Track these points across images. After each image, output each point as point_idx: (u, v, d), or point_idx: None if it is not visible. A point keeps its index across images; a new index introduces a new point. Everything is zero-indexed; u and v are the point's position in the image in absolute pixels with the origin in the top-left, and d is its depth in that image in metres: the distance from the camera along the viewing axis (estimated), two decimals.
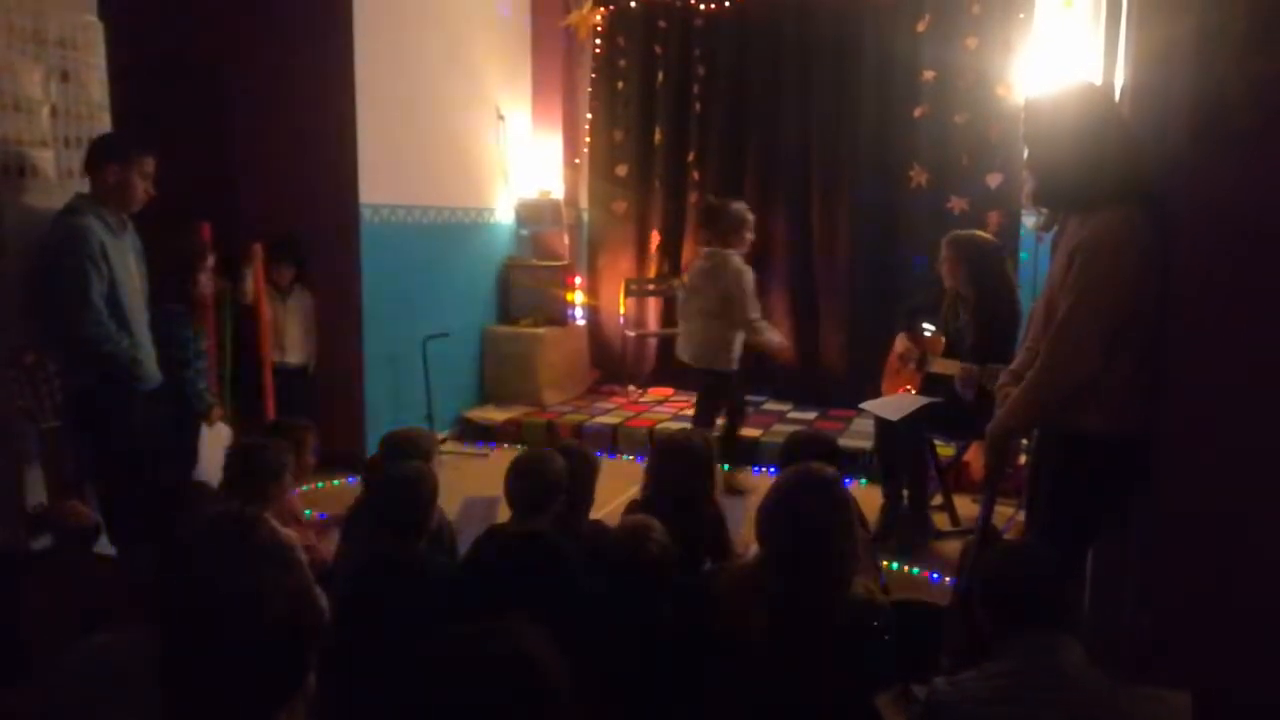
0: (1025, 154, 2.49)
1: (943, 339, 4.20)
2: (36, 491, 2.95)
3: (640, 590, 2.23)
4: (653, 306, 7.08)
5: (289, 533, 2.77)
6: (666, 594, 2.27)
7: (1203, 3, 2.03)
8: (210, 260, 4.01)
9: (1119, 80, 3.08)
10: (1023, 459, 4.31)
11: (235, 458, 2.91)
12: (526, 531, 2.70)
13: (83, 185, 3.35)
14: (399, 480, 2.65)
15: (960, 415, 3.94)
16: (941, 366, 4.09)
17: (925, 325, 4.30)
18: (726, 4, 6.58)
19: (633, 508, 3.04)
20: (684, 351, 5.06)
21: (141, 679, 1.49)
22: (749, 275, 4.77)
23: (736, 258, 4.79)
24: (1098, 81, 3.58)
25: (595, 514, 3.13)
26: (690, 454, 3.03)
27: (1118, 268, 2.21)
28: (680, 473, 2.98)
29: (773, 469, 4.72)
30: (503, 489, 2.82)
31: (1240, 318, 2.00)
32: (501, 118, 6.68)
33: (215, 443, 3.85)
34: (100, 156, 3.25)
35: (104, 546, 2.63)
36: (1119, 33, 3.21)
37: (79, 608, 2.16)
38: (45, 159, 3.37)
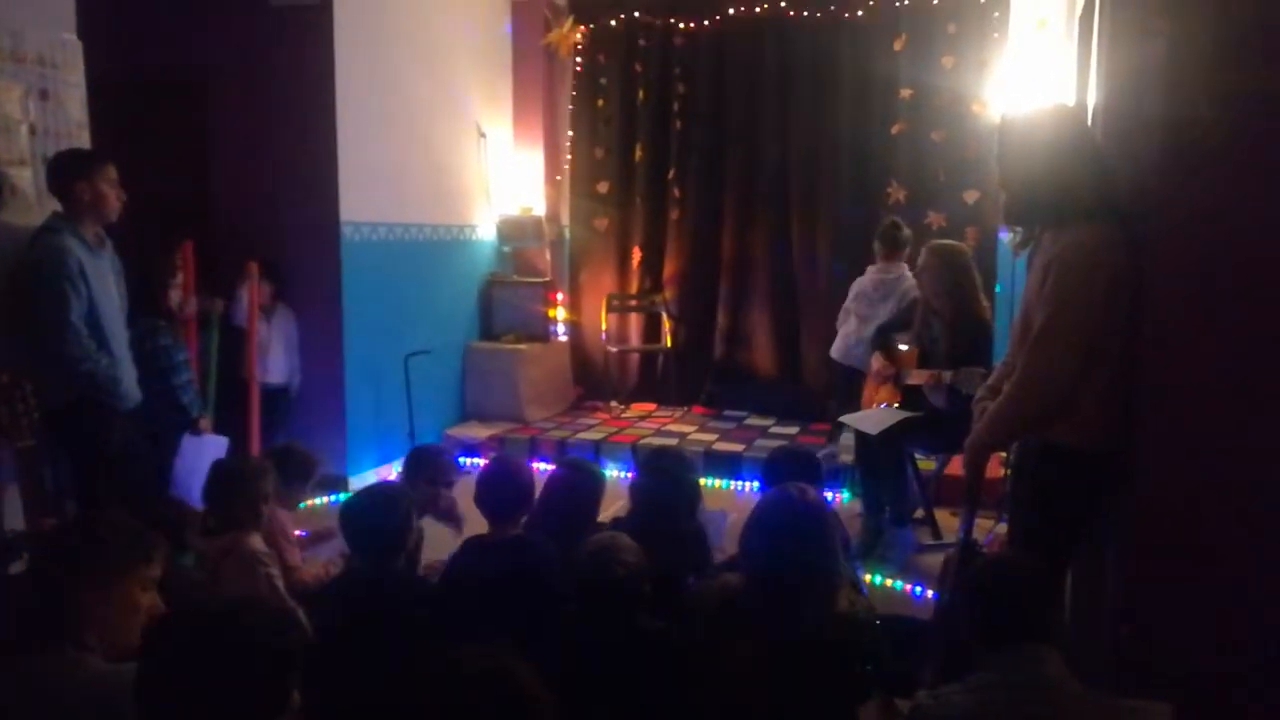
0: (998, 172, 2.52)
1: (916, 351, 4.24)
2: (13, 511, 2.92)
3: (610, 608, 2.22)
4: (635, 322, 7.10)
5: (259, 548, 2.76)
6: (641, 611, 2.26)
7: (1173, 23, 2.07)
8: (180, 276, 3.99)
9: (1092, 99, 3.13)
10: (1003, 472, 4.36)
11: (215, 478, 2.90)
12: (502, 540, 2.70)
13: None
14: (369, 504, 2.64)
15: (941, 429, 3.97)
16: (917, 378, 4.12)
17: (900, 344, 4.34)
18: (706, 23, 6.64)
19: (614, 525, 3.04)
20: (843, 352, 5.16)
21: (120, 700, 1.48)
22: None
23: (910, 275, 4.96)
24: (1071, 100, 3.64)
25: None
26: (672, 470, 3.03)
27: (1091, 282, 2.24)
28: (662, 489, 2.98)
29: (758, 479, 4.71)
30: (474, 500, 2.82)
31: (1214, 331, 2.04)
32: (483, 135, 6.70)
33: (213, 455, 3.88)
34: (67, 178, 3.21)
35: None
36: (1091, 52, 3.27)
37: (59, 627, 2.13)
38: (24, 178, 3.35)
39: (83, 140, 3.56)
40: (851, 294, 5.10)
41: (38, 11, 3.42)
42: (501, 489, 2.78)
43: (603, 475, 3.10)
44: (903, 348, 4.32)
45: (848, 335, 5.08)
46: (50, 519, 2.39)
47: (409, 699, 1.40)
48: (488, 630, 2.20)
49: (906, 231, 5.03)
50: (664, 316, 6.93)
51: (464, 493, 3.12)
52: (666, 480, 3.01)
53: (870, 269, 5.06)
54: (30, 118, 3.38)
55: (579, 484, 2.95)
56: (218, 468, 2.96)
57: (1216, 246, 2.02)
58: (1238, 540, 2.02)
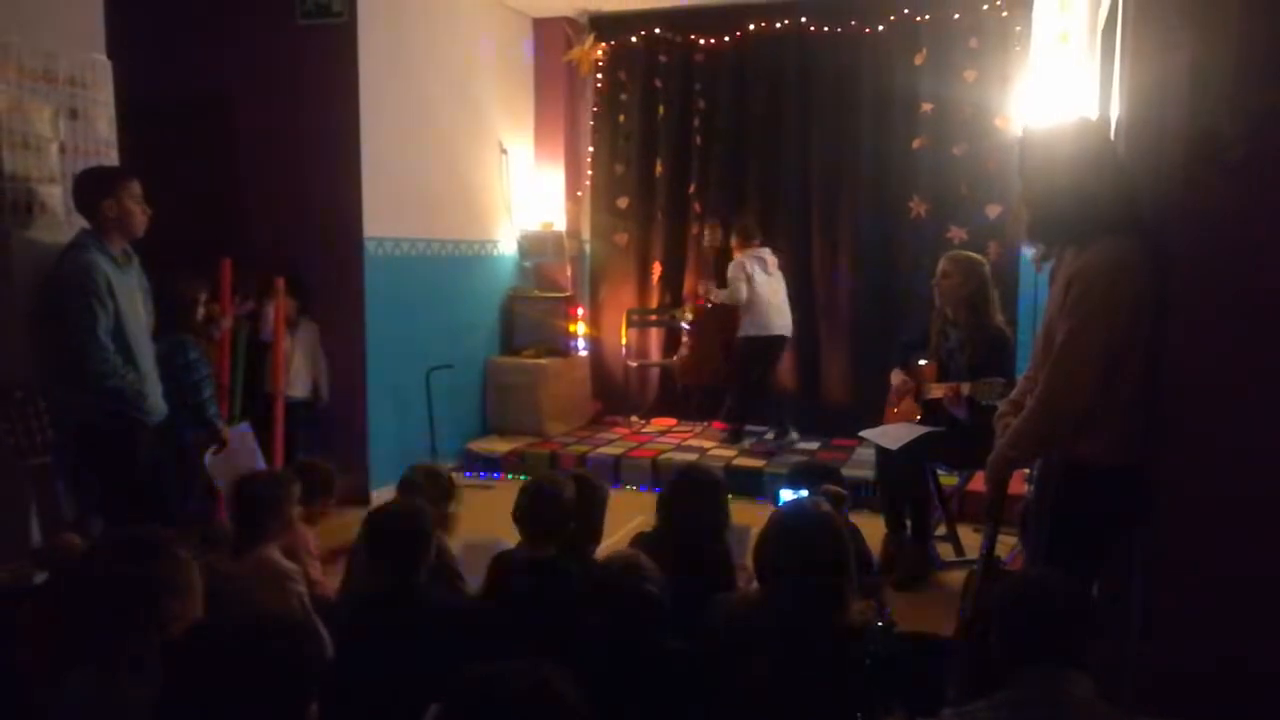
0: (1019, 187, 2.52)
1: (935, 366, 4.22)
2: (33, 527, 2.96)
3: (630, 628, 2.22)
4: (655, 337, 7.11)
5: (287, 564, 2.78)
6: (663, 628, 2.25)
7: (1195, 38, 2.06)
8: (204, 296, 4.04)
9: (1114, 113, 3.12)
10: (1025, 488, 4.32)
11: (239, 490, 2.92)
12: (536, 558, 2.70)
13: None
14: (393, 516, 2.65)
15: (962, 443, 3.94)
16: (936, 391, 4.10)
17: (918, 360, 4.32)
18: (727, 39, 6.66)
19: (639, 540, 3.03)
20: (765, 324, 6.14)
21: (140, 714, 1.49)
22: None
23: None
24: (1093, 114, 3.62)
25: (600, 545, 3.13)
26: (702, 488, 3.01)
27: (1114, 295, 2.23)
28: (691, 507, 2.96)
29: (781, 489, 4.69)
30: (512, 512, 2.82)
31: (1236, 346, 2.02)
32: (504, 151, 6.75)
33: (245, 448, 3.94)
34: (93, 195, 3.25)
35: None
36: (1114, 67, 3.25)
37: (76, 642, 2.15)
38: (53, 195, 3.40)
39: (111, 159, 3.61)
40: (747, 273, 6.00)
41: (69, 33, 3.48)
42: (539, 507, 2.78)
43: (603, 485, 3.12)
44: (921, 363, 4.30)
45: (768, 306, 6.02)
46: (70, 535, 2.40)
47: (450, 714, 1.40)
48: (515, 645, 2.19)
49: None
50: (684, 331, 6.93)
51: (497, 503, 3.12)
52: (694, 499, 2.99)
53: (754, 251, 6.07)
54: (60, 136, 3.43)
55: (585, 497, 2.94)
56: (241, 482, 2.97)
57: (1239, 259, 2.00)
58: (1263, 556, 1.99)
